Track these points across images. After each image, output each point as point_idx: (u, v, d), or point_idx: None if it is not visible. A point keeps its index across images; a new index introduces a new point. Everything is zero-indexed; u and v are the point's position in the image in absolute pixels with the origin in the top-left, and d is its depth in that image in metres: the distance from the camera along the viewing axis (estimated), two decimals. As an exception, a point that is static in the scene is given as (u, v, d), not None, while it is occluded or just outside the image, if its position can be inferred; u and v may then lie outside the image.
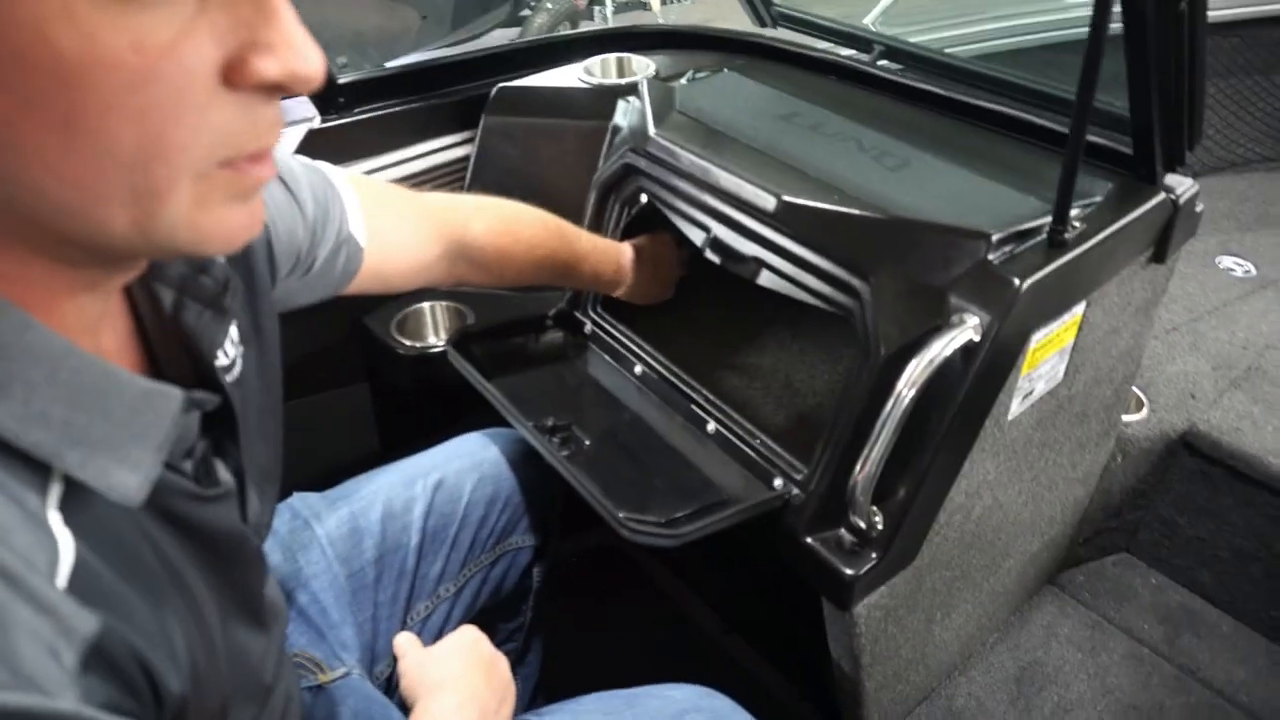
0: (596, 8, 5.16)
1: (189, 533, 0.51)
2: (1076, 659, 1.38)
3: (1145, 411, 1.44)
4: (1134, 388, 1.47)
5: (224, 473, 0.56)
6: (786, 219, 0.91)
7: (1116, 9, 0.84)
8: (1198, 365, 1.54)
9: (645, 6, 5.55)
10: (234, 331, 0.61)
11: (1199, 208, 1.06)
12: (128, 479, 0.43)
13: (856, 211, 0.88)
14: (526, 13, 4.68)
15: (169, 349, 0.54)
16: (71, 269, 0.42)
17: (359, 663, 0.87)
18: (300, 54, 0.40)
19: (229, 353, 0.59)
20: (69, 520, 0.41)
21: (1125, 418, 1.41)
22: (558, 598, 1.59)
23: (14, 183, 0.37)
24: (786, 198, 0.90)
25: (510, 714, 0.80)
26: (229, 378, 0.58)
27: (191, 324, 0.53)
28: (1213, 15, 2.00)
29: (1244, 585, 1.44)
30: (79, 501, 0.42)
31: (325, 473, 1.06)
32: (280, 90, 0.41)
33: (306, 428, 1.29)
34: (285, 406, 1.27)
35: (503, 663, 0.82)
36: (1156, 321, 1.64)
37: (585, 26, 4.46)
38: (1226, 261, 1.88)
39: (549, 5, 4.81)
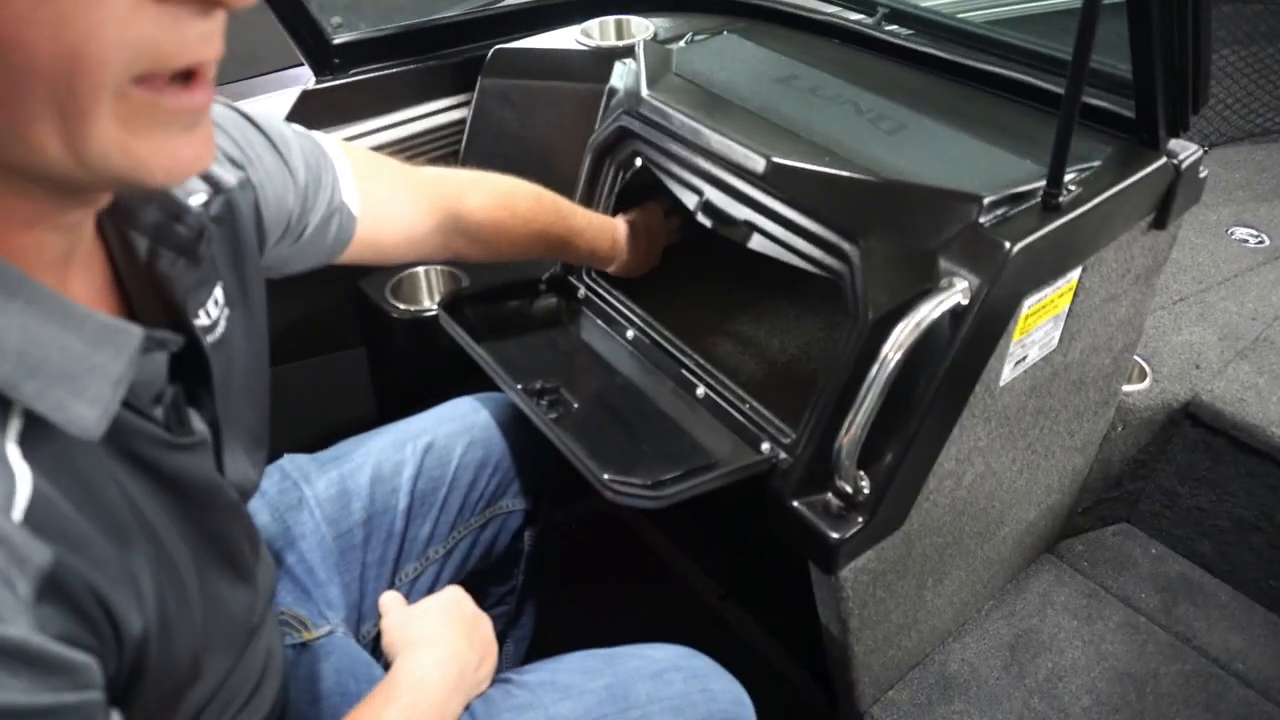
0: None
1: (159, 479, 0.51)
2: (1072, 626, 1.38)
3: (1148, 381, 1.42)
4: (1136, 357, 1.45)
5: (198, 423, 0.57)
6: (776, 181, 0.90)
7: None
8: (1204, 336, 1.52)
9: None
10: (219, 293, 0.61)
11: (1203, 173, 1.04)
12: (85, 412, 0.43)
13: (846, 174, 0.87)
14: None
15: (145, 298, 0.54)
16: (25, 201, 0.42)
17: (344, 621, 0.88)
18: None
19: (211, 313, 0.59)
20: (28, 455, 0.41)
21: (1126, 387, 1.39)
22: (557, 564, 1.61)
23: None
24: (776, 159, 0.89)
25: (491, 673, 0.81)
26: (210, 337, 0.59)
27: (165, 271, 0.54)
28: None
29: (1244, 555, 1.43)
30: (40, 437, 0.42)
31: (321, 435, 1.06)
32: (213, 4, 0.40)
33: (304, 391, 1.30)
34: (282, 369, 1.27)
35: (485, 623, 0.83)
36: (1163, 291, 1.62)
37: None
38: (1240, 232, 1.85)
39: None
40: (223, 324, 0.61)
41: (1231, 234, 1.84)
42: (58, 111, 0.37)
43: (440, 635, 0.78)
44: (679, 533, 1.64)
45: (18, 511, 0.40)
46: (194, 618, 0.54)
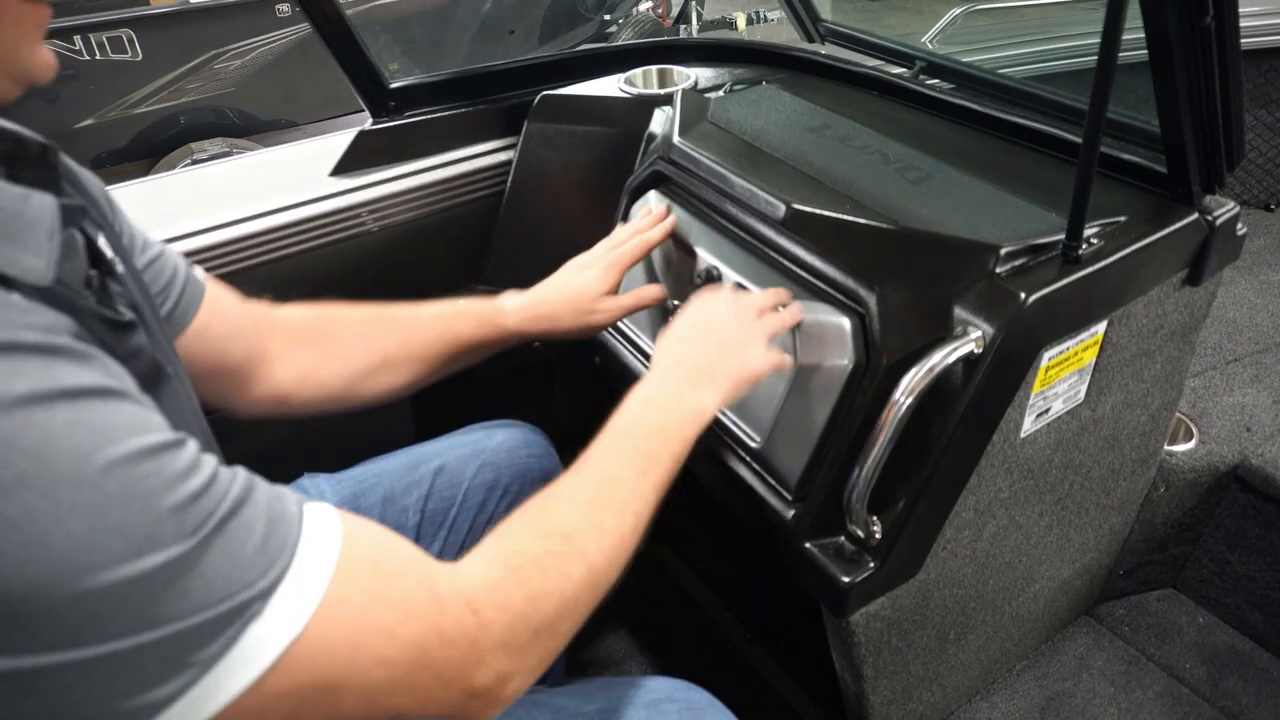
0: (681, 26, 5.23)
1: (121, 355, 0.52)
2: (1108, 693, 1.34)
3: (1194, 442, 1.39)
4: (1183, 417, 1.42)
5: (123, 307, 0.57)
6: (796, 227, 0.92)
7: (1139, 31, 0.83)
8: (1258, 398, 1.48)
9: (731, 26, 5.59)
10: (104, 241, 0.61)
11: (1241, 230, 1.03)
12: (34, 262, 0.46)
13: (865, 221, 0.89)
14: (613, 29, 4.79)
15: None
16: None
17: None
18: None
19: (109, 253, 0.60)
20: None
21: (1170, 447, 1.36)
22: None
23: None
24: (796, 205, 0.91)
25: (757, 360, 0.84)
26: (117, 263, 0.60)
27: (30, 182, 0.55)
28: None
29: (1298, 630, 1.37)
30: None
31: (349, 456, 1.10)
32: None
33: (349, 414, 1.35)
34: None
35: (746, 305, 0.87)
36: (1215, 351, 1.58)
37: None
38: (1304, 293, 1.80)
39: (635, 23, 4.90)
40: (120, 264, 0.61)
41: (1294, 295, 1.78)
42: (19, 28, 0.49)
43: (670, 347, 0.84)
44: (709, 573, 1.64)
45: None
46: None
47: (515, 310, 1.00)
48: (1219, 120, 0.90)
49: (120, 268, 0.60)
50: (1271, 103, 2.07)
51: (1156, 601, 1.49)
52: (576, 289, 1.00)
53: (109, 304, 0.55)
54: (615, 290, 1.02)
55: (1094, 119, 0.78)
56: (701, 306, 0.88)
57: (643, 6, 5.00)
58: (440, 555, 1.00)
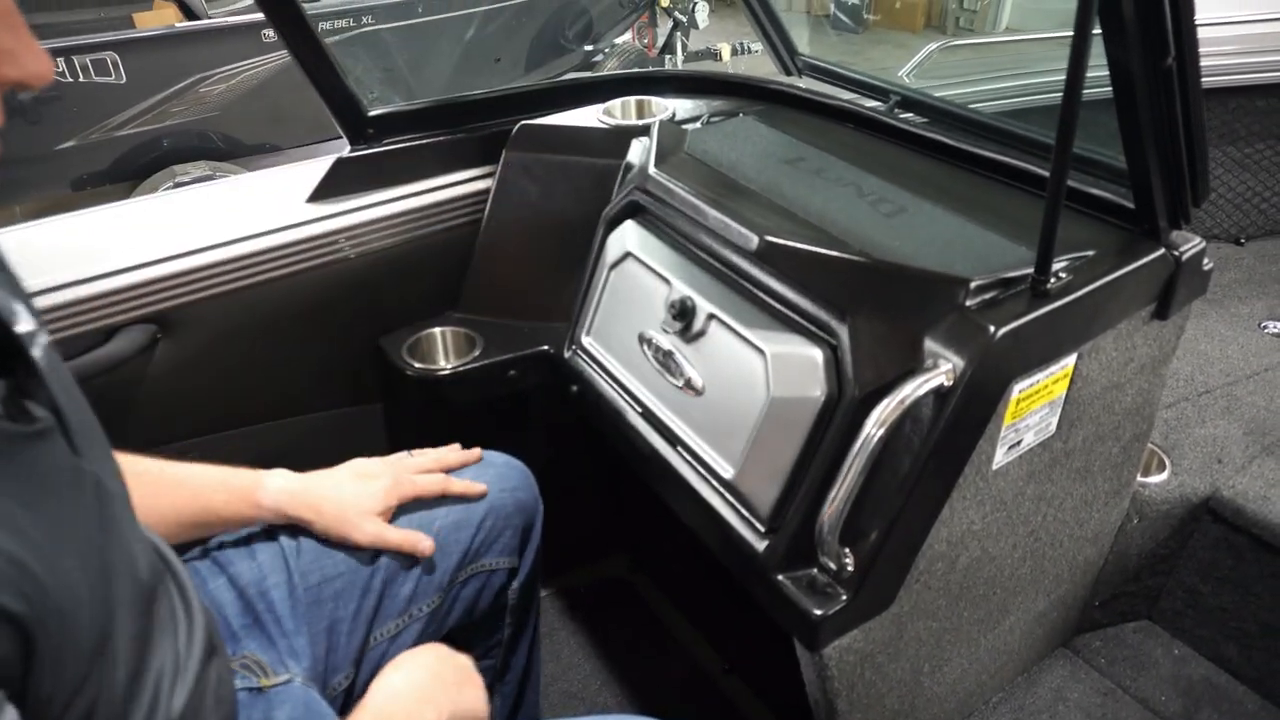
0: (667, 57, 5.29)
1: (17, 471, 0.50)
2: (1083, 726, 1.33)
3: (1166, 474, 1.39)
4: (1156, 448, 1.43)
5: (38, 410, 0.55)
6: (769, 258, 0.92)
7: (1104, 69, 0.85)
8: (1229, 430, 1.49)
9: (716, 57, 5.65)
10: (21, 310, 0.59)
11: (1207, 265, 1.04)
12: None
13: (837, 253, 0.89)
14: (599, 59, 4.83)
15: None
16: None
17: (306, 671, 0.89)
18: (39, 59, 0.49)
19: (31, 323, 0.58)
20: None
21: (1143, 479, 1.37)
22: (564, 627, 1.61)
23: None
24: (769, 237, 0.91)
25: (478, 700, 0.81)
26: (39, 342, 0.58)
27: None
28: (1264, 78, 1.96)
29: (1272, 662, 1.37)
30: None
31: None
32: (22, 86, 0.49)
33: (323, 441, 1.34)
34: (304, 420, 1.30)
35: (465, 657, 0.85)
36: (1187, 383, 1.60)
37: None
38: (1274, 326, 1.82)
39: (620, 53, 4.95)
40: (43, 334, 0.59)
41: (1264, 328, 1.81)
42: None
43: (412, 657, 0.81)
44: (687, 604, 1.63)
45: None
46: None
47: (279, 490, 0.95)
48: (1183, 157, 0.91)
49: (38, 350, 0.56)
50: (1240, 139, 2.11)
51: (1132, 633, 1.49)
52: (351, 496, 0.96)
53: (20, 411, 0.52)
54: (389, 516, 0.98)
55: (1060, 155, 0.79)
56: (440, 647, 0.85)
57: (625, 37, 5.06)
58: (413, 596, 1.00)
